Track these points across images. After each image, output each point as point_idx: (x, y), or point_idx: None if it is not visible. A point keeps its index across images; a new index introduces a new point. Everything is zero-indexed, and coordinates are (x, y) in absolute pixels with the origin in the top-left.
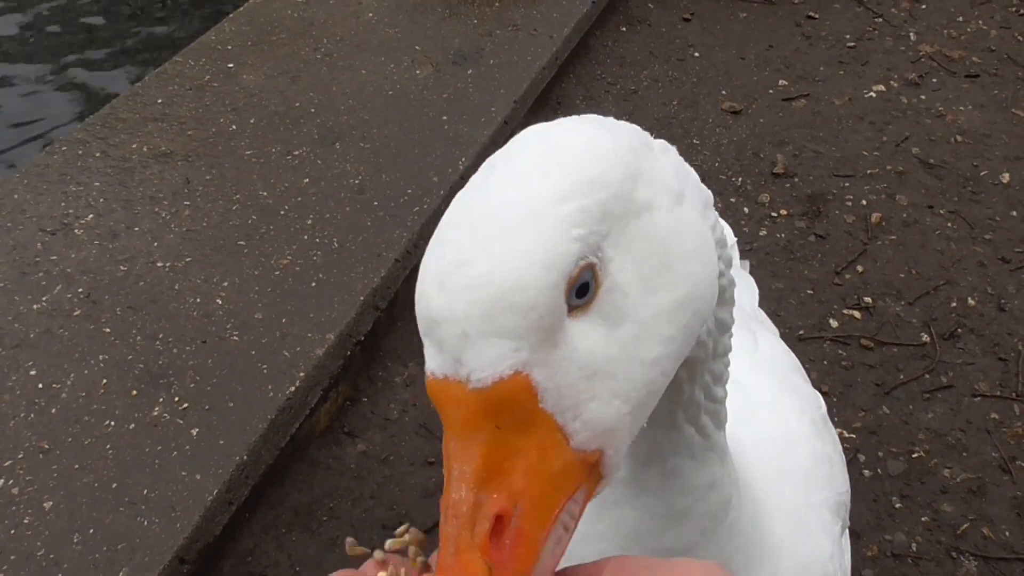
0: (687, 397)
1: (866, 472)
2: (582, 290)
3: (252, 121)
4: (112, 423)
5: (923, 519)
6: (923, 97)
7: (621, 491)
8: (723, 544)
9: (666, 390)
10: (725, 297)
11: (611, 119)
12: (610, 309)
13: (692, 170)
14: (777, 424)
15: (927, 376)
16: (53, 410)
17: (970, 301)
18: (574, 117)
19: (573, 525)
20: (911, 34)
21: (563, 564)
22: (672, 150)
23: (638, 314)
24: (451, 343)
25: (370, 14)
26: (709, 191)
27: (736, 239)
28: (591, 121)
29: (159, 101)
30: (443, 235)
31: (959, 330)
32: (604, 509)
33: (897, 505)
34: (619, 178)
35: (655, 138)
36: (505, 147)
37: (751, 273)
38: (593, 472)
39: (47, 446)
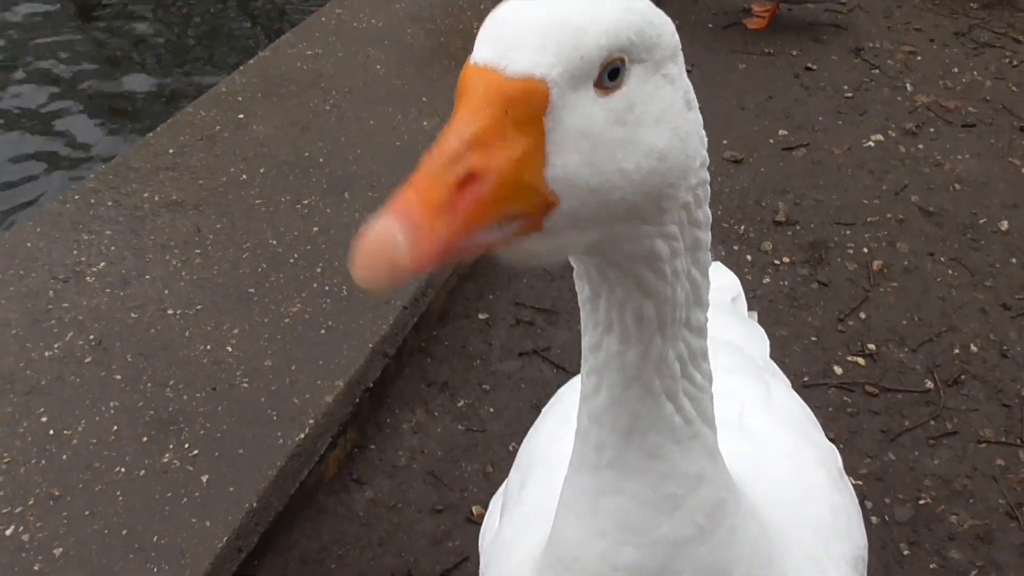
0: (658, 353)
1: (873, 519)
2: (612, 75)
3: (262, 171)
4: (122, 469)
5: (931, 566)
6: (921, 146)
7: (610, 477)
8: (722, 549)
9: (637, 340)
10: (704, 164)
11: None
12: (619, 107)
13: (689, 84)
14: (796, 476)
15: (932, 422)
16: (64, 456)
17: (972, 347)
18: None
19: (504, 236)
20: (907, 85)
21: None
22: (680, 49)
23: (631, 129)
24: (508, 39)
25: (378, 67)
26: (695, 101)
27: (742, 289)
28: None
29: (170, 151)
30: None
31: (962, 376)
32: (598, 501)
33: (905, 552)
34: (667, 42)
35: None
36: None
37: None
38: (539, 216)
39: (57, 492)
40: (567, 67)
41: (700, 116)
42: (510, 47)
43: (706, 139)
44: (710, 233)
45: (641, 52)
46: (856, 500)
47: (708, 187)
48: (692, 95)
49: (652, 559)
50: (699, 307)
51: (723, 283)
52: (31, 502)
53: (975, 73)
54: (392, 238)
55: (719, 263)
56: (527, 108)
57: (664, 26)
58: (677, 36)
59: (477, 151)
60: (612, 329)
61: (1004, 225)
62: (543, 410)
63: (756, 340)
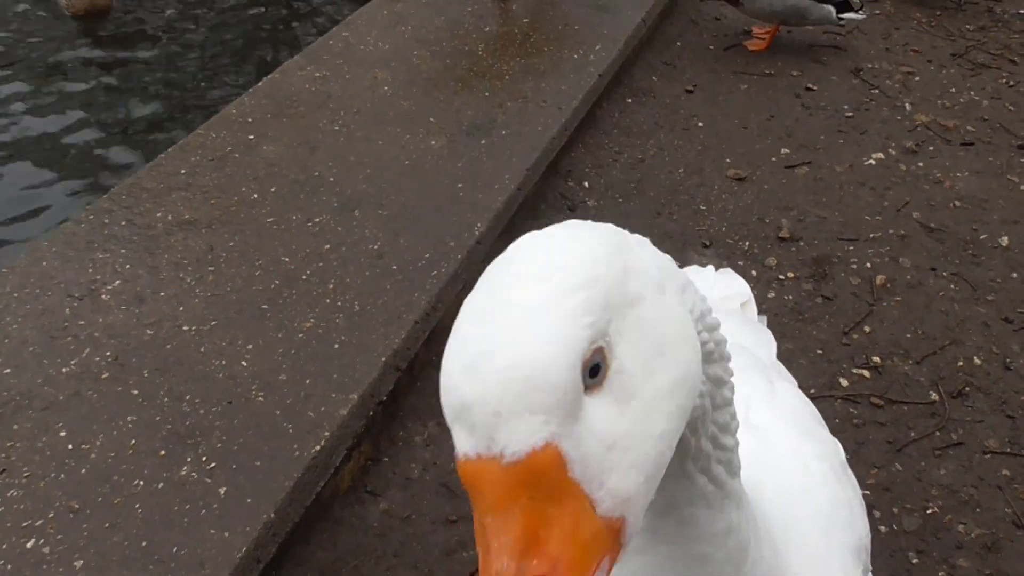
0: (694, 449)
1: (882, 528)
2: (594, 371)
3: (273, 190)
4: (141, 483)
5: (940, 574)
6: (921, 164)
7: (640, 539)
8: None
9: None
10: (713, 357)
11: (590, 222)
12: (619, 388)
13: (666, 257)
14: (798, 469)
15: (937, 434)
16: (83, 470)
17: (976, 360)
18: (560, 224)
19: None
20: (906, 105)
21: None
22: (646, 242)
23: (642, 393)
24: (484, 424)
25: (385, 88)
26: (684, 273)
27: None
28: (578, 226)
29: (182, 171)
30: (463, 331)
31: (967, 388)
32: (625, 557)
33: (914, 560)
34: (613, 273)
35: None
36: (502, 257)
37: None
38: (616, 538)
39: (77, 506)
40: (559, 414)
41: (672, 279)
42: (492, 428)
43: (691, 306)
44: (729, 365)
45: (604, 316)
46: (859, 492)
47: (720, 339)
48: (655, 274)
49: None
50: (722, 386)
51: (733, 289)
52: (51, 515)
53: (972, 93)
54: None
55: (729, 269)
56: (548, 479)
57: (606, 258)
58: (615, 244)
59: (529, 555)
60: None
61: (1004, 241)
62: None
63: (764, 343)
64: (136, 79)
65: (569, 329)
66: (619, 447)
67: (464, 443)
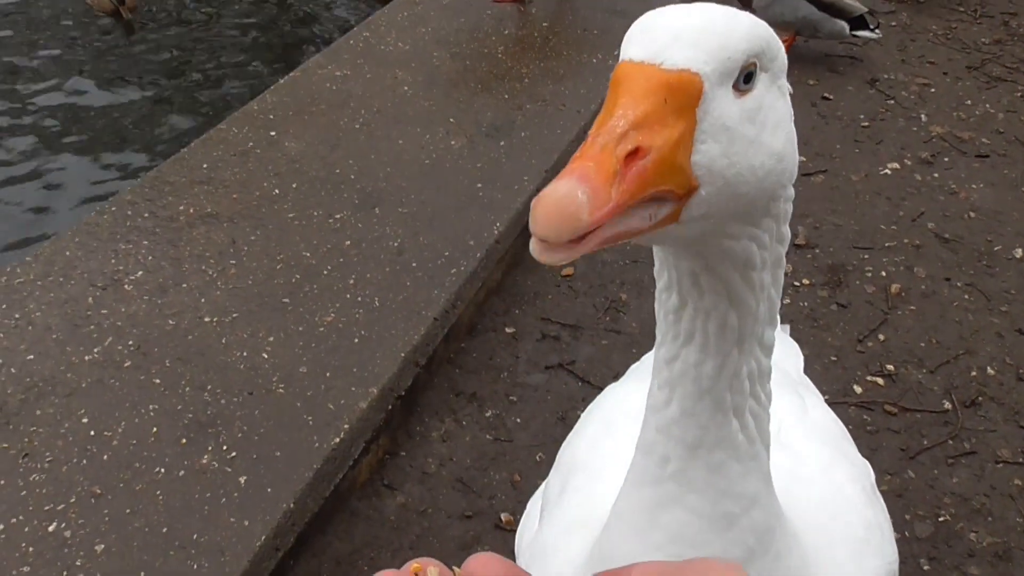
0: (734, 367)
1: (895, 534)
2: (747, 79)
3: (294, 186)
4: (162, 470)
5: None
6: (936, 175)
7: (671, 489)
8: (766, 573)
9: (716, 351)
10: (789, 204)
11: None
12: (750, 108)
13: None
14: (831, 491)
15: (950, 442)
16: (105, 457)
17: (989, 370)
18: None
19: (651, 224)
20: (922, 115)
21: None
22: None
23: (759, 129)
24: (662, 40)
25: (405, 88)
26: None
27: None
28: None
29: (204, 166)
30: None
31: (980, 398)
32: (657, 513)
33: (926, 567)
34: (781, 60)
35: None
36: None
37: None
38: (683, 200)
39: (99, 491)
40: (717, 65)
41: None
42: (666, 46)
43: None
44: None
45: (767, 62)
46: (887, 515)
47: (791, 204)
48: (785, 84)
49: None
50: (772, 325)
51: None
52: (73, 500)
53: (988, 106)
54: (575, 195)
55: None
56: (684, 97)
57: (778, 43)
58: (780, 48)
59: (641, 131)
60: (693, 339)
61: (1018, 253)
62: (583, 415)
63: (791, 355)
64: (159, 75)
65: (752, 31)
66: (729, 134)
67: (634, 51)
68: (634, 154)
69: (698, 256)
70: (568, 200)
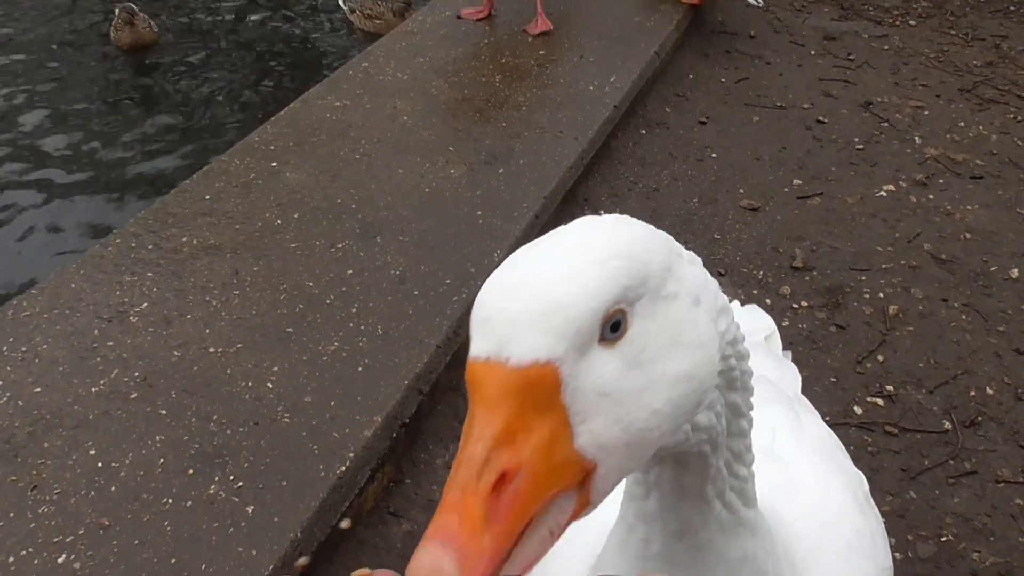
0: (714, 471)
1: (897, 555)
2: (614, 327)
3: (296, 216)
4: (170, 501)
5: None
6: (931, 197)
7: (655, 565)
8: None
9: (695, 464)
10: (736, 385)
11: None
12: (629, 353)
13: (714, 281)
14: (822, 499)
15: (951, 462)
16: (112, 488)
17: (988, 390)
18: (621, 216)
19: (558, 534)
20: (916, 138)
21: None
22: (698, 261)
23: (649, 368)
24: (501, 332)
25: (405, 117)
26: (727, 300)
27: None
28: (637, 221)
29: (207, 197)
30: (505, 267)
31: (979, 418)
32: None
33: None
34: (658, 262)
35: (678, 232)
36: (561, 227)
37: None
38: (584, 487)
39: (107, 523)
40: (569, 343)
41: (718, 303)
42: (506, 337)
43: (732, 315)
44: (751, 399)
45: (637, 291)
46: (882, 524)
47: (746, 369)
48: (696, 288)
49: None
50: (740, 435)
51: (759, 324)
52: (81, 531)
53: (981, 128)
54: (443, 569)
55: (754, 305)
56: (542, 391)
57: (654, 252)
58: (669, 246)
59: (504, 450)
60: (660, 486)
61: (1014, 273)
62: None
63: (788, 376)
64: (162, 107)
65: (601, 282)
66: (612, 399)
67: (478, 347)
68: (502, 479)
69: (649, 473)
70: (435, 574)
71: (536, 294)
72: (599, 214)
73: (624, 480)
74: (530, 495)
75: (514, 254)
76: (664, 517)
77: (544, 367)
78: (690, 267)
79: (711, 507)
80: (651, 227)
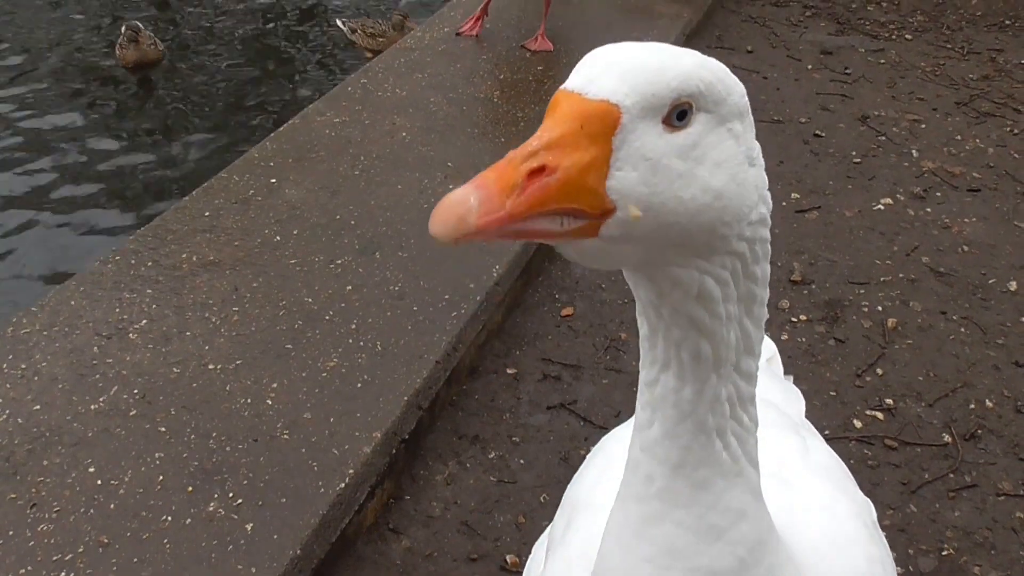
0: (713, 392)
1: (899, 569)
2: (680, 116)
3: (295, 232)
4: (169, 518)
5: None
6: (929, 210)
7: (657, 506)
8: None
9: (693, 378)
10: (763, 222)
11: None
12: (683, 144)
13: (755, 141)
14: (833, 526)
15: (951, 475)
16: (112, 506)
17: (988, 403)
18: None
19: (563, 230)
20: (913, 151)
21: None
22: (749, 118)
23: (692, 165)
24: (595, 72)
25: (403, 134)
26: (762, 161)
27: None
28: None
29: (206, 214)
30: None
31: (979, 431)
32: (645, 528)
33: None
34: (734, 101)
35: None
36: None
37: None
38: (597, 222)
39: (106, 540)
40: (638, 99)
41: (764, 175)
42: (595, 78)
43: (770, 200)
44: (767, 290)
45: (708, 103)
46: (890, 552)
47: (768, 245)
48: (757, 154)
49: None
50: (750, 355)
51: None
52: (81, 549)
53: (978, 140)
54: (467, 200)
55: None
56: (600, 125)
57: (733, 87)
58: (747, 100)
59: (552, 151)
60: (670, 366)
61: (1013, 286)
62: (587, 457)
63: (793, 400)
64: (162, 125)
65: (688, 71)
66: (650, 166)
67: (571, 81)
68: (540, 171)
69: (651, 283)
70: (459, 204)
71: (634, 57)
72: None
73: (634, 415)
74: (556, 192)
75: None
76: (666, 445)
77: (612, 106)
78: (744, 103)
79: (710, 440)
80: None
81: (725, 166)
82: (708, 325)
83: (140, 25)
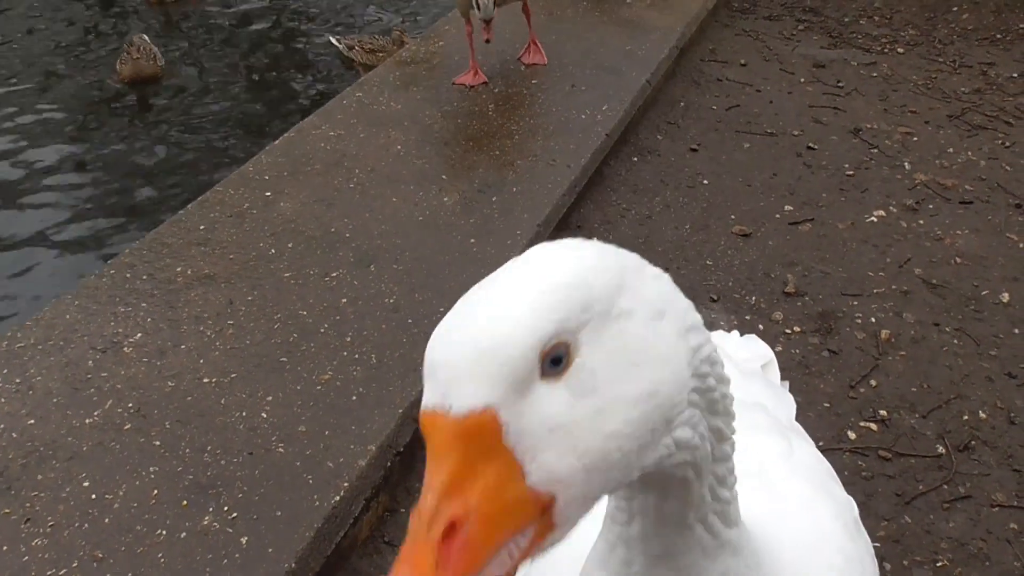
0: (696, 497)
1: None
2: (556, 361)
3: (290, 245)
4: (164, 532)
5: None
6: (921, 222)
7: None
8: None
9: (678, 490)
10: (718, 408)
11: (614, 246)
12: (577, 383)
13: (684, 299)
14: (812, 525)
15: (945, 487)
16: (106, 520)
17: (981, 414)
18: (579, 239)
19: (518, 558)
20: (905, 164)
21: None
22: (665, 277)
23: (602, 393)
24: (443, 382)
25: (398, 147)
26: (699, 319)
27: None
28: (587, 243)
29: (201, 227)
30: (454, 309)
31: (973, 442)
32: None
33: None
34: (602, 284)
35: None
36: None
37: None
38: (545, 516)
39: (101, 555)
40: (502, 386)
41: (679, 314)
42: (447, 387)
43: (699, 334)
44: (732, 423)
45: (579, 319)
46: (872, 551)
47: (726, 386)
48: (658, 302)
49: None
50: (723, 460)
51: (756, 352)
52: (75, 564)
53: (970, 153)
54: None
55: (753, 335)
56: (485, 438)
57: (594, 272)
58: (615, 264)
59: (452, 499)
60: (644, 515)
61: (1005, 297)
62: None
63: (783, 404)
64: (157, 140)
65: (535, 320)
66: (562, 431)
67: (427, 397)
68: (452, 528)
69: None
70: None
71: (470, 339)
72: (591, 239)
73: (608, 500)
74: (482, 539)
75: (465, 295)
76: (646, 541)
77: (482, 414)
78: (653, 281)
79: (693, 531)
80: (602, 246)
81: (642, 357)
82: (680, 493)
83: (145, 39)
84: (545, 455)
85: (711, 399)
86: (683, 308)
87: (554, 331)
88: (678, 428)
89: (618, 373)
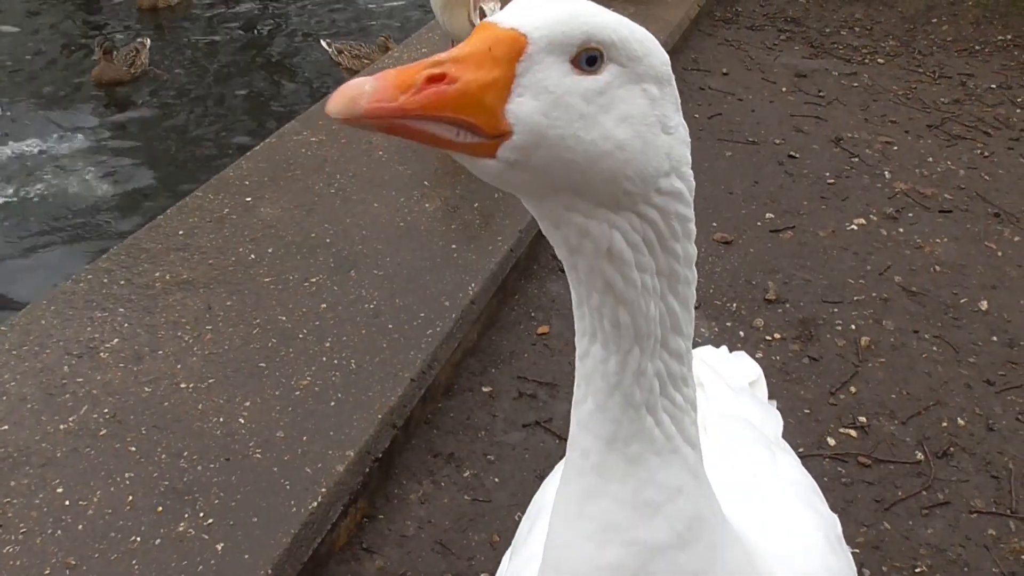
0: (637, 365)
1: None
2: (590, 62)
3: (270, 251)
4: (138, 539)
5: None
6: (901, 230)
7: (594, 481)
8: (701, 561)
9: (616, 348)
10: (677, 196)
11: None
12: (588, 89)
13: (685, 126)
14: (795, 537)
15: (924, 493)
16: (80, 527)
17: (960, 421)
18: None
19: (456, 143)
20: (886, 172)
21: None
22: (684, 129)
23: (596, 110)
24: (517, 9)
25: (380, 152)
26: (684, 136)
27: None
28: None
29: (180, 232)
30: None
31: (951, 449)
32: (584, 506)
33: None
34: (641, 50)
35: None
36: None
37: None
38: (495, 142)
39: (74, 562)
40: (546, 32)
41: (686, 152)
42: (513, 12)
43: (691, 179)
44: (694, 271)
45: (622, 57)
46: (854, 568)
47: (689, 225)
48: (675, 125)
49: (632, 559)
50: (678, 334)
51: (745, 370)
52: (47, 572)
53: (949, 163)
54: (363, 87)
55: (742, 352)
56: (506, 49)
57: (653, 50)
58: (668, 69)
59: (457, 64)
60: (596, 337)
61: (984, 305)
62: (555, 467)
63: (770, 420)
64: (137, 143)
65: (595, 22)
66: (552, 99)
67: (496, 16)
68: (440, 78)
69: (561, 232)
70: (355, 88)
71: (557, 1)
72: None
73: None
74: (451, 101)
75: None
76: (598, 419)
77: (520, 35)
78: (676, 111)
79: (640, 415)
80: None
81: (632, 122)
82: (623, 290)
83: (132, 44)
84: (530, 101)
85: (671, 225)
86: (675, 118)
87: (606, 39)
88: (627, 224)
89: (614, 111)
